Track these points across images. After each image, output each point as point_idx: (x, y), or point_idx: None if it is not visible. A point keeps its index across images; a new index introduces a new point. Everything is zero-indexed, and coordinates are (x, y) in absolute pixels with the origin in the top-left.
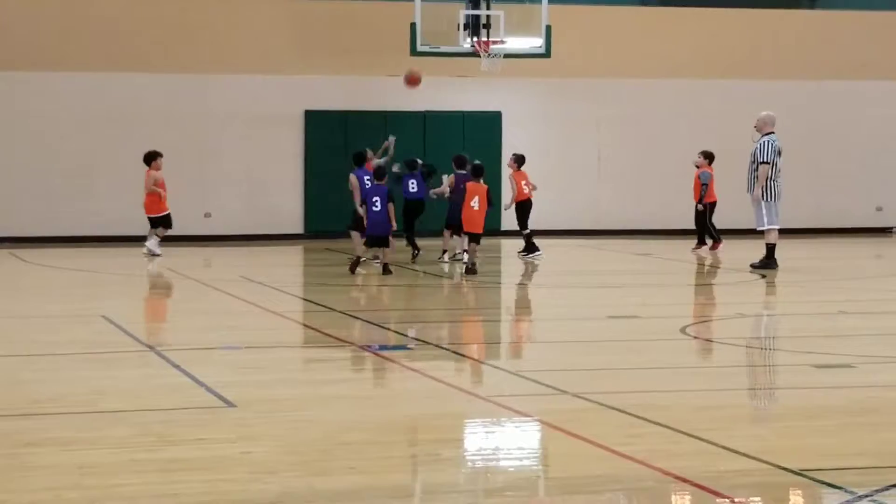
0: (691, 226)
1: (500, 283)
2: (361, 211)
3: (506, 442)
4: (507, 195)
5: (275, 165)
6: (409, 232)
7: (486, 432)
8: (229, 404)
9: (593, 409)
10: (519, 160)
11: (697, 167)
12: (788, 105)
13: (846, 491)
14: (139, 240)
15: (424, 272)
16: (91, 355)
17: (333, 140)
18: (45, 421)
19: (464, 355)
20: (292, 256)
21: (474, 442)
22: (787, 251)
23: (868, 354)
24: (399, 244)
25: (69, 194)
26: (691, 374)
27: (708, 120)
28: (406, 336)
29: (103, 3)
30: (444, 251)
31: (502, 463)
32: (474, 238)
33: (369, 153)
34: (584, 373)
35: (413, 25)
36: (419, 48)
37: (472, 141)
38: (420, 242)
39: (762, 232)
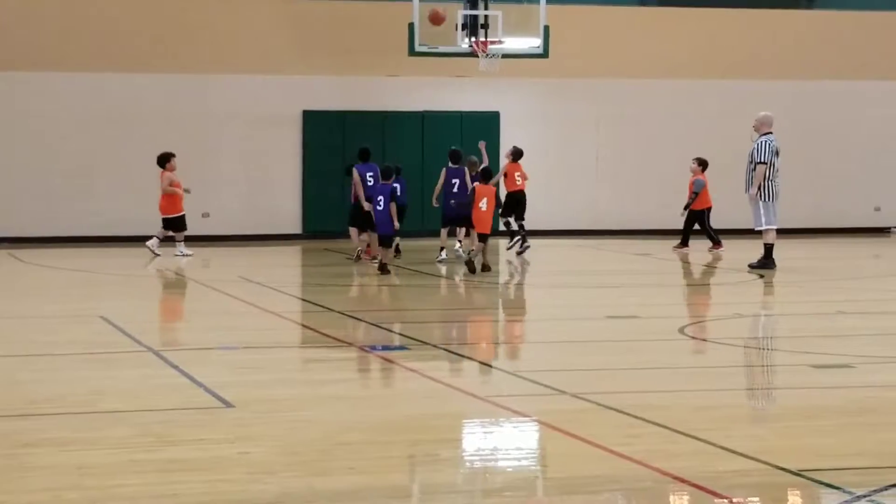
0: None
1: (498, 282)
2: (368, 206)
3: (504, 442)
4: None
5: (273, 165)
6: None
7: (485, 432)
8: (228, 405)
9: (592, 410)
10: (515, 153)
11: (693, 173)
12: (787, 105)
13: (844, 491)
14: (138, 240)
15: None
16: (90, 356)
17: (332, 140)
18: (44, 421)
19: (462, 355)
20: (291, 256)
21: (473, 442)
22: (785, 251)
23: (866, 354)
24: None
25: (68, 194)
26: (690, 375)
27: (706, 120)
28: (404, 336)
29: (101, 4)
30: (442, 248)
31: (501, 463)
32: (483, 238)
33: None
34: (583, 373)
35: (411, 25)
36: (417, 48)
37: (471, 141)
38: (421, 243)
39: (760, 232)
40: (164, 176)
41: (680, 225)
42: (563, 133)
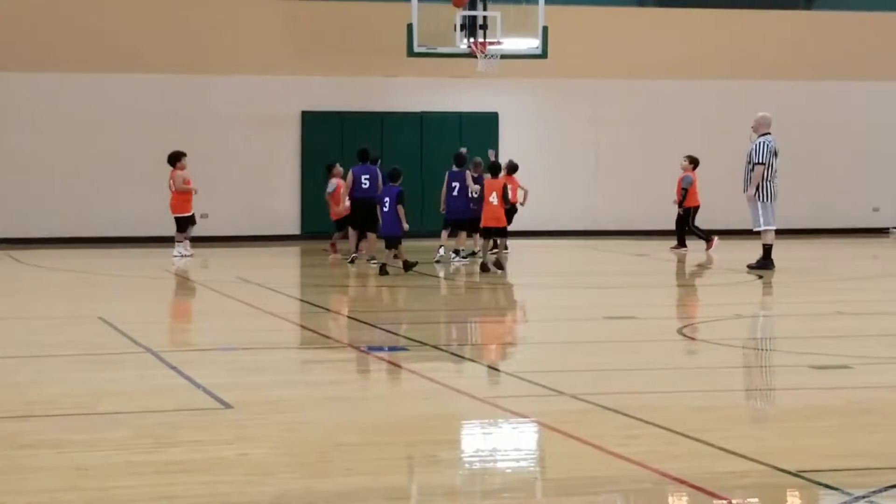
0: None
1: (496, 283)
2: (340, 209)
3: (503, 443)
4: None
5: (271, 166)
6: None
7: (484, 433)
8: (226, 406)
9: (590, 411)
10: (510, 168)
11: (683, 170)
12: (785, 105)
13: (843, 492)
14: (137, 241)
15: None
16: (88, 357)
17: (330, 141)
18: (42, 423)
19: (461, 356)
20: (289, 257)
21: (471, 443)
22: (783, 252)
23: (865, 355)
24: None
25: (67, 195)
26: (688, 375)
27: (704, 120)
28: (403, 337)
29: (100, 5)
30: (441, 247)
31: (499, 464)
32: (500, 233)
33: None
34: (582, 374)
35: (410, 26)
36: (416, 49)
37: (469, 142)
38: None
39: (759, 232)
40: (177, 175)
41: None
42: (561, 133)
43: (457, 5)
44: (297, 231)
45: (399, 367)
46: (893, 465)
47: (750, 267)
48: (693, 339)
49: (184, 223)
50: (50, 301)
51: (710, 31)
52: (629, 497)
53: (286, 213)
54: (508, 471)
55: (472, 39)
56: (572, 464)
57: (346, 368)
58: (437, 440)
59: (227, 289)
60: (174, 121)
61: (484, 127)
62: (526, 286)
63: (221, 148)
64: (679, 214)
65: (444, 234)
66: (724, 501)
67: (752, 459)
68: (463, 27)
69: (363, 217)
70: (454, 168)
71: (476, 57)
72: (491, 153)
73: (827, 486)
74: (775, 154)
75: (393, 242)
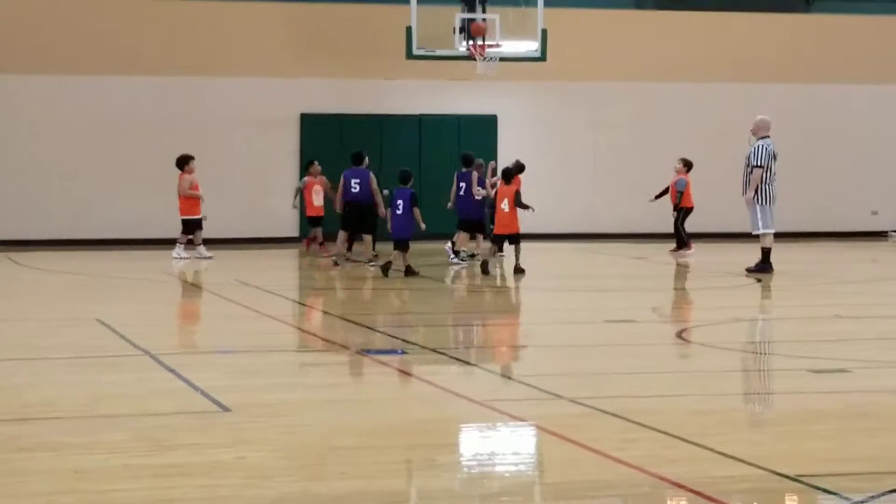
0: (688, 228)
1: (495, 286)
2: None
3: (501, 447)
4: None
5: (270, 168)
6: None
7: (482, 437)
8: (224, 409)
9: (589, 414)
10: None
11: (677, 173)
12: (784, 108)
13: (842, 497)
14: (136, 243)
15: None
16: (86, 359)
17: (329, 143)
18: (40, 426)
19: (459, 359)
20: (288, 260)
21: (469, 447)
22: (782, 255)
23: (864, 359)
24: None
25: (65, 197)
26: (687, 379)
27: (704, 123)
28: (401, 340)
29: (99, 7)
30: (459, 249)
31: (497, 468)
32: (512, 239)
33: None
34: (580, 377)
35: (409, 29)
36: (415, 52)
37: (468, 144)
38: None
39: (758, 236)
40: (184, 178)
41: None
42: (560, 136)
43: (476, 34)
44: (295, 233)
45: (397, 370)
46: (892, 470)
47: (748, 270)
48: (691, 342)
49: (190, 226)
50: (48, 303)
51: (709, 34)
52: (627, 501)
53: (285, 216)
54: (507, 475)
55: (471, 42)
56: (570, 467)
57: (344, 371)
58: (435, 444)
59: (225, 291)
60: (173, 123)
61: (483, 129)
62: (524, 289)
63: (220, 150)
64: (674, 216)
65: (462, 236)
66: None
67: (750, 464)
68: (462, 30)
69: (354, 220)
70: (462, 169)
71: (475, 60)
72: (491, 164)
73: (825, 491)
74: (774, 157)
75: (402, 245)
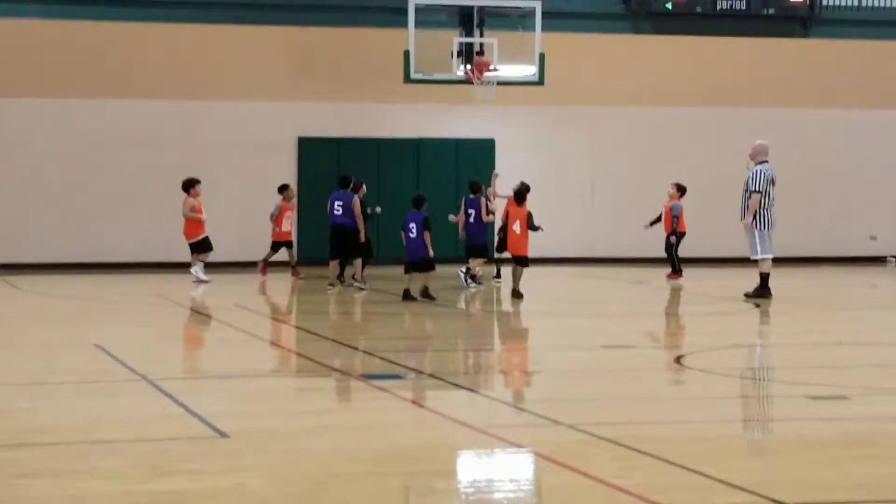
0: (685, 254)
1: (493, 310)
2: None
3: (499, 474)
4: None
5: (268, 192)
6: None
7: (480, 464)
8: (222, 435)
9: (587, 441)
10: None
11: (671, 197)
12: (782, 133)
13: None
14: (134, 266)
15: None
16: (84, 384)
17: (327, 167)
18: (38, 451)
19: (457, 385)
20: (285, 284)
21: (468, 473)
22: (781, 280)
23: (863, 385)
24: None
25: (64, 221)
26: (686, 406)
27: (701, 148)
28: (399, 365)
29: (97, 31)
30: (474, 275)
31: (496, 495)
32: (520, 262)
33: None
34: (579, 403)
35: (407, 53)
36: (413, 75)
37: (465, 168)
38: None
39: (756, 261)
40: (186, 201)
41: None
42: (558, 160)
43: (479, 69)
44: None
45: (395, 395)
46: (892, 498)
47: (747, 295)
48: (690, 368)
49: (196, 247)
50: (47, 328)
51: (707, 59)
52: None
53: None
54: (505, 502)
55: (468, 66)
56: (570, 495)
57: (343, 397)
58: (433, 470)
59: (224, 315)
60: (171, 146)
61: (480, 153)
62: (522, 314)
63: (218, 173)
64: (669, 242)
65: (474, 261)
66: None
67: (750, 491)
68: (459, 54)
69: (338, 244)
70: (470, 195)
71: (472, 84)
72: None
73: None
74: (773, 182)
75: (421, 267)
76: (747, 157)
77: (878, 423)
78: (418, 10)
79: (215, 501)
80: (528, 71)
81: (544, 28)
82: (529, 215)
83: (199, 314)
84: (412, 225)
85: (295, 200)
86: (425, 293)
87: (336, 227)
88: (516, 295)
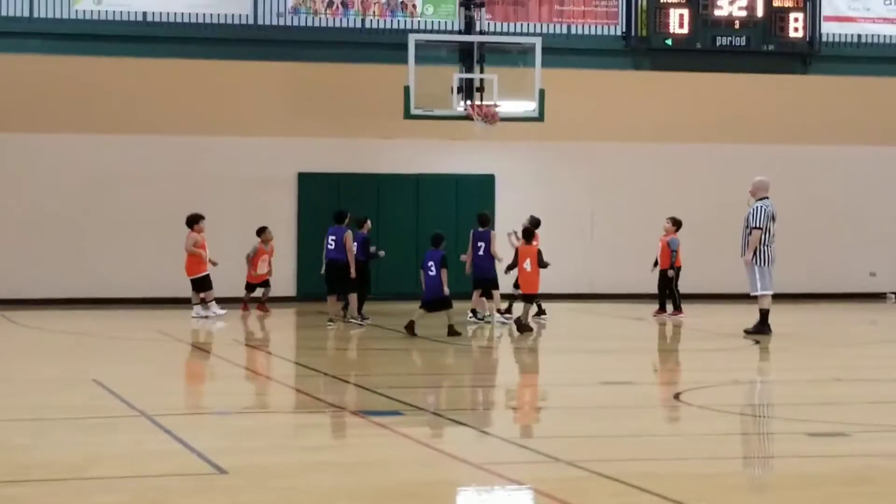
0: (685, 290)
1: (492, 347)
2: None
3: None
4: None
5: (269, 227)
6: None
7: (480, 501)
8: (221, 471)
9: (587, 478)
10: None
11: (666, 232)
12: (781, 169)
13: None
14: (132, 302)
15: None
16: (83, 420)
17: (327, 202)
18: (36, 487)
19: (456, 421)
20: (284, 319)
21: None
22: (780, 316)
23: (863, 422)
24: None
25: (63, 256)
26: (686, 442)
27: (701, 184)
28: (398, 401)
29: (96, 67)
30: (473, 310)
31: None
32: (529, 299)
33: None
34: (578, 440)
35: (407, 89)
36: (413, 111)
37: (465, 204)
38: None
39: (756, 297)
40: (190, 236)
41: (686, 288)
42: (558, 196)
43: (487, 119)
44: (292, 293)
45: (394, 431)
46: None
47: (747, 332)
48: (690, 404)
49: (198, 284)
50: (45, 363)
51: (707, 95)
52: None
53: (282, 275)
54: None
55: (468, 102)
56: None
57: (342, 433)
58: None
59: (223, 351)
60: (171, 182)
61: (480, 189)
62: (521, 350)
63: (218, 209)
64: (667, 277)
65: (475, 295)
66: None
67: None
68: (460, 90)
69: (332, 280)
70: (479, 228)
71: (472, 119)
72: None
73: None
74: (773, 218)
75: (438, 306)
76: (748, 194)
77: (879, 460)
78: (418, 46)
79: None
80: (528, 107)
81: (544, 64)
82: (539, 253)
83: (198, 350)
84: (430, 263)
85: (273, 243)
86: (451, 331)
87: (329, 262)
88: (524, 329)
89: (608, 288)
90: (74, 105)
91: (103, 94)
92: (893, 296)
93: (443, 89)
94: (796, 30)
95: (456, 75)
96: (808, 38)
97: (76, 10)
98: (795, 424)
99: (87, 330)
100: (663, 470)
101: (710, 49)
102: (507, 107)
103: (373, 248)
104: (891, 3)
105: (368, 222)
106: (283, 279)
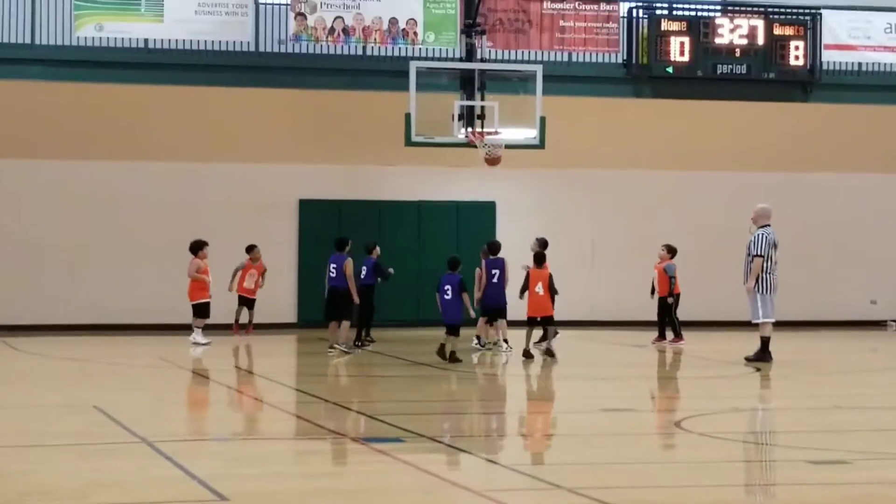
0: (686, 317)
1: (493, 374)
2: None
3: None
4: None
5: (269, 254)
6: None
7: None
8: (222, 498)
9: None
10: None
11: (662, 259)
12: (782, 197)
13: None
14: (132, 329)
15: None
16: (83, 447)
17: (328, 229)
18: None
19: (457, 448)
20: (285, 346)
21: None
22: (781, 344)
23: (864, 450)
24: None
25: (63, 282)
26: (686, 470)
27: (702, 211)
28: (399, 428)
29: (97, 93)
30: (478, 337)
31: None
32: (547, 321)
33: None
34: (579, 467)
35: (408, 116)
36: (414, 138)
37: (466, 231)
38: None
39: (757, 324)
40: (193, 262)
41: (687, 315)
42: (558, 223)
43: (490, 164)
44: (293, 319)
45: (395, 458)
46: None
47: (748, 359)
48: (691, 432)
49: (199, 310)
50: (45, 389)
51: (708, 123)
52: None
53: (283, 301)
54: None
55: (469, 129)
56: None
57: (342, 460)
58: None
59: (223, 377)
60: (172, 208)
61: (481, 216)
62: (522, 377)
63: (219, 235)
64: (667, 304)
65: (482, 322)
66: None
67: None
68: (461, 117)
69: (331, 306)
70: (490, 256)
71: (475, 147)
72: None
73: None
74: (775, 246)
75: (454, 330)
76: (749, 221)
77: (880, 488)
78: (419, 73)
79: None
80: (529, 134)
81: (545, 91)
82: (551, 277)
83: (199, 376)
84: (447, 287)
85: (262, 262)
86: (452, 357)
87: (331, 289)
88: (549, 353)
89: (609, 315)
90: (76, 131)
91: (104, 120)
92: (894, 324)
93: (444, 116)
94: (797, 58)
95: (457, 102)
96: (808, 67)
97: (77, 37)
98: (796, 452)
99: (87, 356)
100: (664, 498)
101: (710, 77)
102: (508, 134)
103: (387, 269)
104: (891, 32)
105: (378, 248)
106: (284, 306)
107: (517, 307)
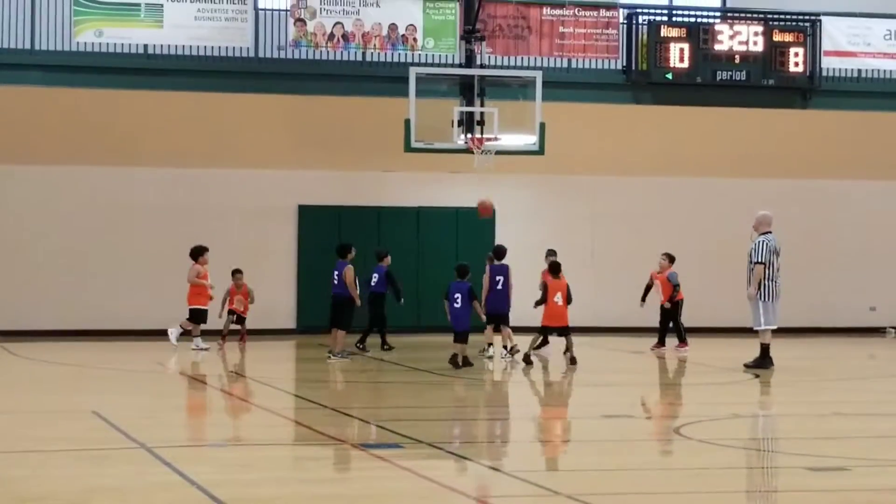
0: (686, 323)
1: (493, 381)
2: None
3: None
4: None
5: (268, 260)
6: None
7: None
8: (220, 503)
9: None
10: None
11: (662, 268)
12: (781, 204)
13: None
14: (132, 334)
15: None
16: (81, 452)
17: (327, 235)
18: None
19: (457, 454)
20: (284, 351)
21: None
22: (781, 351)
23: (863, 457)
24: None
25: (62, 288)
26: (686, 476)
27: (702, 218)
28: (398, 434)
29: (98, 98)
30: (490, 344)
31: None
32: (564, 331)
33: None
34: (579, 473)
35: (407, 122)
36: (413, 144)
37: (466, 237)
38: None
39: (757, 331)
40: (193, 268)
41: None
42: (558, 229)
43: (483, 212)
44: (292, 325)
45: (394, 464)
46: None
47: (747, 366)
48: (690, 438)
49: (196, 315)
50: (44, 395)
51: (707, 129)
52: None
53: (282, 307)
54: None
55: (469, 135)
56: None
57: (341, 466)
58: None
59: (222, 383)
60: (171, 214)
61: (480, 222)
62: (520, 384)
63: (218, 241)
64: (666, 310)
65: (489, 329)
66: None
67: None
68: (460, 123)
69: (334, 313)
70: (496, 262)
71: (473, 153)
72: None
73: None
74: (776, 253)
75: (463, 337)
76: (751, 228)
77: (880, 495)
78: (419, 79)
79: None
80: (529, 140)
81: (545, 97)
82: (568, 287)
83: (197, 382)
84: (457, 295)
85: (246, 287)
86: (465, 361)
87: (334, 296)
88: (573, 361)
89: (608, 321)
90: (75, 137)
91: (104, 126)
92: (893, 330)
93: (443, 122)
94: (796, 64)
95: (456, 108)
96: (808, 73)
97: (77, 43)
98: (796, 459)
99: (86, 362)
100: None
101: (710, 83)
102: (507, 140)
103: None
104: (891, 38)
105: (388, 257)
106: (284, 312)
107: (531, 315)
